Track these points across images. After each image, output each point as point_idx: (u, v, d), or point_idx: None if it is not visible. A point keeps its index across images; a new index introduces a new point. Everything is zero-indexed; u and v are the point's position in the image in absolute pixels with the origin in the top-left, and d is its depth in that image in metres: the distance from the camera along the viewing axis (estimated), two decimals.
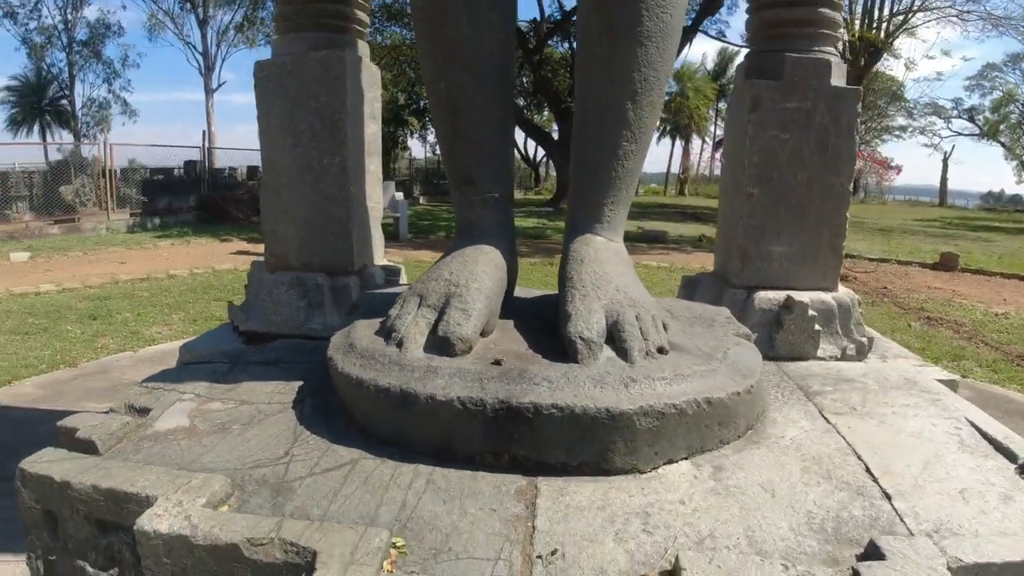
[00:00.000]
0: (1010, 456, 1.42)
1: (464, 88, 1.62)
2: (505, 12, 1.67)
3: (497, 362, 1.30)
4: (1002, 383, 4.15)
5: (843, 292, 2.22)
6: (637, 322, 1.37)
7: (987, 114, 39.34)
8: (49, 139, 39.36)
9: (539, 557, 0.98)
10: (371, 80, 2.26)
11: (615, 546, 1.01)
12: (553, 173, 31.50)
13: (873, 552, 1.01)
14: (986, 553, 1.02)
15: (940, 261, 9.73)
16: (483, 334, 1.44)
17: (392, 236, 10.63)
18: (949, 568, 0.97)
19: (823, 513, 1.13)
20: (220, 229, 13.81)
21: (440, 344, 1.35)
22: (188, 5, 26.75)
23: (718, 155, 54.52)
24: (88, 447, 1.35)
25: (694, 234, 13.35)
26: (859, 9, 24.40)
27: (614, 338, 1.34)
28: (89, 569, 1.22)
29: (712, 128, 56.02)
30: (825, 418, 1.56)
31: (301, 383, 1.65)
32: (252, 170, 21.17)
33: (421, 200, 21.84)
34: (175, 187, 16.88)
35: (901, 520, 1.13)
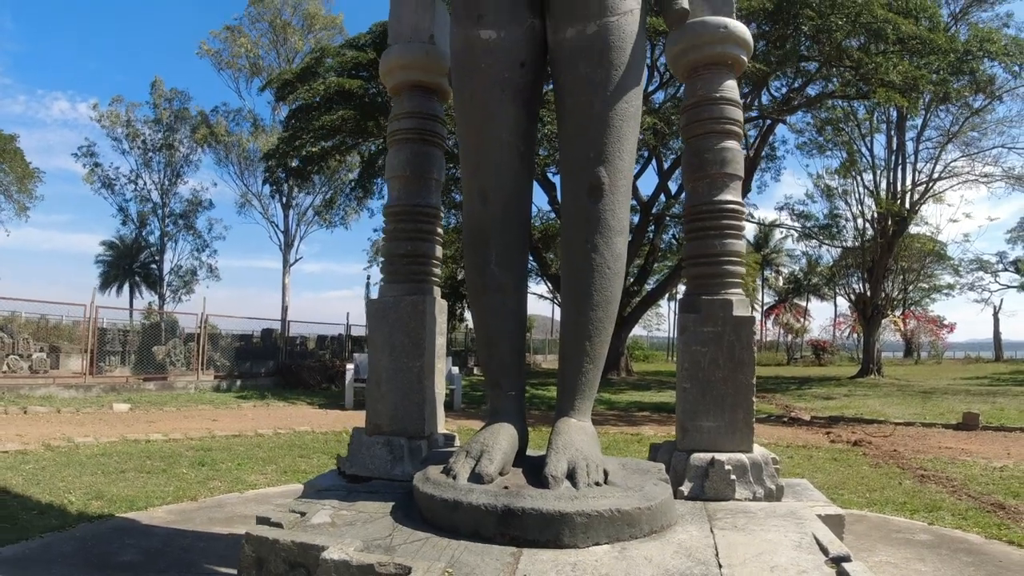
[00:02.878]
0: (826, 552, 2.37)
1: (498, 331, 2.86)
2: (523, 278, 2.95)
3: (506, 487, 2.38)
4: (966, 528, 4.81)
5: (758, 452, 3.21)
6: (586, 468, 2.44)
7: None
8: (137, 299, 43.05)
9: None
10: (440, 310, 3.52)
11: None
12: None
13: None
14: None
15: (962, 421, 10.34)
16: (501, 473, 2.54)
17: (448, 405, 11.86)
18: None
19: (676, 571, 2.12)
20: (295, 393, 15.28)
21: (476, 477, 2.44)
22: (275, 190, 30.32)
23: (769, 323, 55.33)
24: (276, 526, 2.44)
25: None
26: (883, 182, 26.07)
27: (571, 476, 2.41)
28: None
29: (760, 297, 57.19)
30: (711, 530, 2.54)
31: (393, 503, 2.74)
32: (320, 339, 23.15)
33: (475, 371, 23.32)
34: (255, 353, 18.74)
35: None
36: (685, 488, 3.06)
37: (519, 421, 2.88)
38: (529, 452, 2.98)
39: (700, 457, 3.13)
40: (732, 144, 3.35)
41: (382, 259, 3.70)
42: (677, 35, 3.37)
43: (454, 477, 2.47)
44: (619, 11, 2.74)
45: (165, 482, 5.92)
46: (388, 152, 3.68)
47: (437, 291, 3.57)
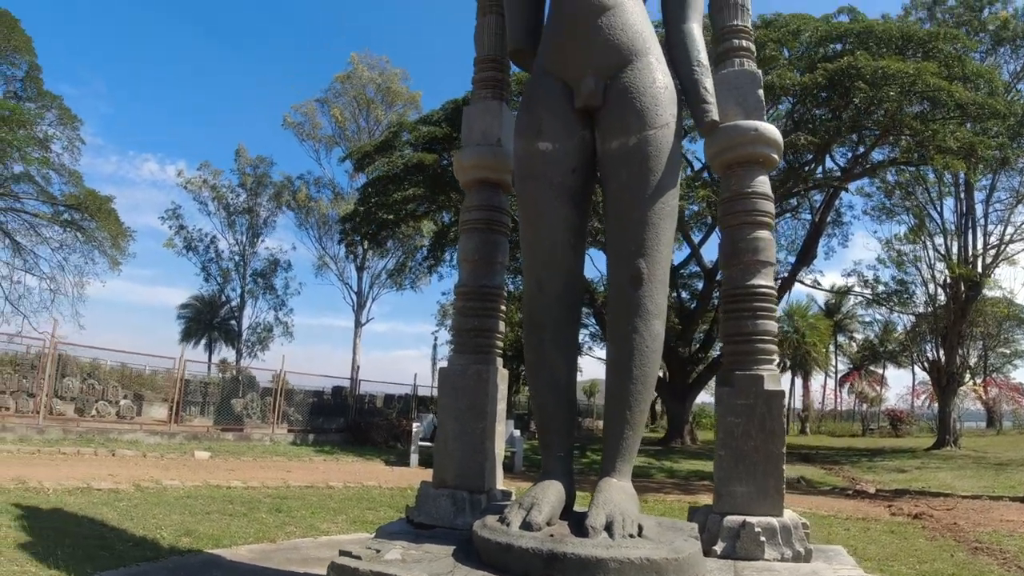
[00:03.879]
0: None
1: (550, 402, 3.30)
2: (574, 355, 3.39)
3: (552, 535, 2.78)
4: None
5: (788, 516, 3.49)
6: (622, 522, 2.81)
7: None
8: (215, 353, 44.99)
9: None
10: (502, 378, 3.98)
11: None
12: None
13: None
14: None
15: None
16: (548, 523, 2.93)
17: (508, 467, 12.29)
18: None
19: None
20: (364, 450, 15.87)
21: (526, 525, 2.85)
22: (350, 251, 31.70)
23: (844, 390, 53.29)
24: (356, 558, 2.89)
25: (794, 475, 13.88)
26: (954, 245, 25.38)
27: (608, 528, 2.78)
28: None
29: (834, 362, 55.13)
30: None
31: (454, 547, 3.15)
32: (388, 398, 23.85)
33: (536, 434, 23.54)
34: (327, 410, 19.53)
35: None
36: (718, 547, 3.36)
37: (567, 480, 3.27)
38: (576, 508, 3.35)
39: (732, 519, 3.44)
40: (764, 234, 3.75)
41: (452, 332, 4.21)
42: (714, 137, 3.82)
43: (507, 524, 2.87)
44: (656, 125, 3.24)
45: (246, 524, 6.46)
46: (460, 238, 4.22)
47: (499, 361, 4.03)
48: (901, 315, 30.04)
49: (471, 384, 3.87)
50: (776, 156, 3.92)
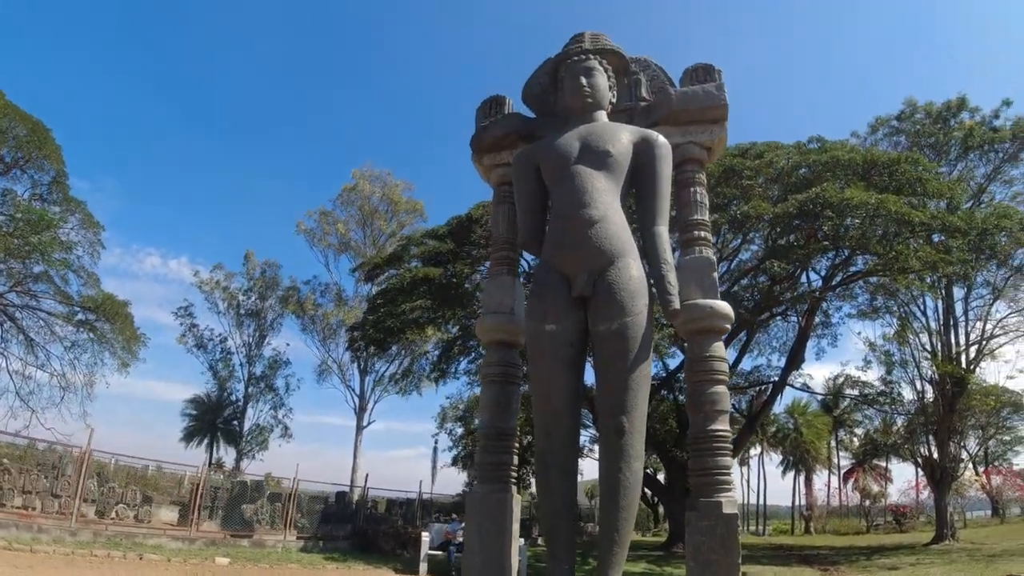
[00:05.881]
0: None
1: (555, 523, 4.29)
2: (574, 485, 4.40)
3: None
4: None
5: None
6: None
7: None
8: (216, 453, 44.95)
9: None
10: (517, 503, 4.97)
11: None
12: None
13: None
14: None
15: None
16: None
17: None
18: None
19: None
20: (371, 557, 16.39)
21: None
22: (355, 357, 32.63)
23: (848, 486, 52.84)
24: None
25: None
26: (938, 344, 26.36)
27: None
28: None
29: (836, 459, 54.84)
30: None
31: None
32: (391, 503, 24.24)
33: (538, 540, 23.84)
34: (334, 516, 20.02)
35: None
36: None
37: None
38: None
39: None
40: (720, 388, 4.82)
41: (476, 465, 5.22)
42: (681, 312, 4.94)
43: None
44: (633, 313, 4.37)
45: None
46: (481, 387, 5.31)
47: (514, 489, 5.03)
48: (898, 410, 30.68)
49: (492, 508, 4.85)
50: (728, 325, 5.06)
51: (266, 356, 40.24)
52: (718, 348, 4.93)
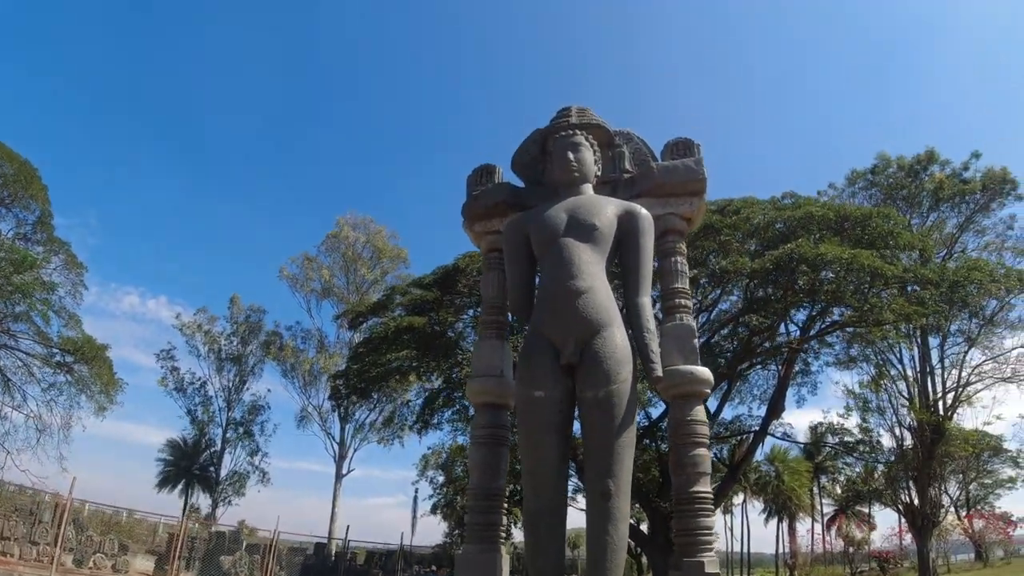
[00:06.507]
0: None
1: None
2: (562, 544, 4.55)
3: None
4: None
5: None
6: None
7: None
8: (190, 499, 43.85)
9: None
10: (505, 562, 5.09)
11: None
12: None
13: None
14: None
15: None
16: None
17: None
18: None
19: None
20: None
21: None
22: (336, 405, 32.30)
23: (831, 533, 52.58)
24: None
25: None
26: (915, 391, 26.78)
27: None
28: None
29: (820, 506, 54.57)
30: None
31: None
32: (370, 555, 23.87)
33: None
34: (314, 570, 19.72)
35: None
36: None
37: None
38: None
39: None
40: (701, 451, 5.03)
41: (466, 524, 5.34)
42: (663, 378, 5.16)
43: None
44: (618, 381, 4.59)
45: None
46: (470, 448, 5.47)
47: (503, 548, 5.17)
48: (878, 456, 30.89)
49: (482, 567, 4.98)
50: (707, 390, 5.30)
51: (246, 401, 39.77)
52: (699, 412, 5.16)
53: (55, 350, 28.32)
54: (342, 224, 36.45)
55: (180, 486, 46.66)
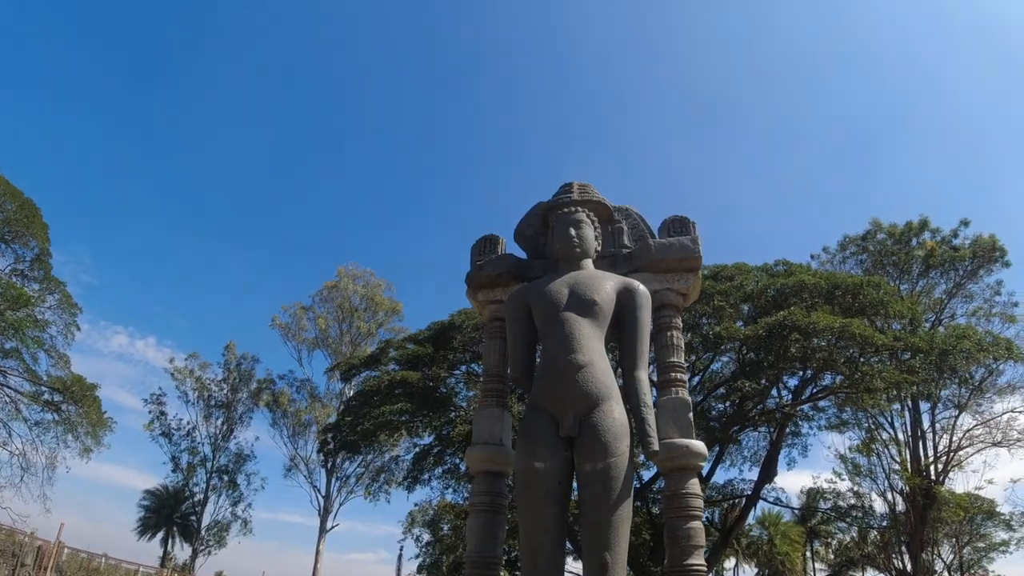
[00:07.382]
0: None
1: None
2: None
3: None
4: None
5: None
6: None
7: None
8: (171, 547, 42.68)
9: None
10: None
11: None
12: None
13: None
14: None
15: None
16: None
17: None
18: None
19: None
20: None
21: None
22: (326, 460, 31.90)
23: None
24: None
25: None
26: (907, 455, 26.71)
27: None
28: None
29: (812, 571, 53.53)
30: None
31: None
32: None
33: None
34: None
35: None
36: None
37: None
38: None
39: None
40: (696, 524, 5.14)
41: None
42: (659, 452, 5.29)
43: None
44: (616, 455, 4.73)
45: None
46: (469, 515, 5.56)
47: None
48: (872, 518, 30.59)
49: None
50: (702, 463, 5.43)
51: (232, 450, 39.20)
52: (694, 485, 5.28)
53: (44, 388, 28.06)
54: (342, 275, 36.68)
55: (160, 534, 45.65)
